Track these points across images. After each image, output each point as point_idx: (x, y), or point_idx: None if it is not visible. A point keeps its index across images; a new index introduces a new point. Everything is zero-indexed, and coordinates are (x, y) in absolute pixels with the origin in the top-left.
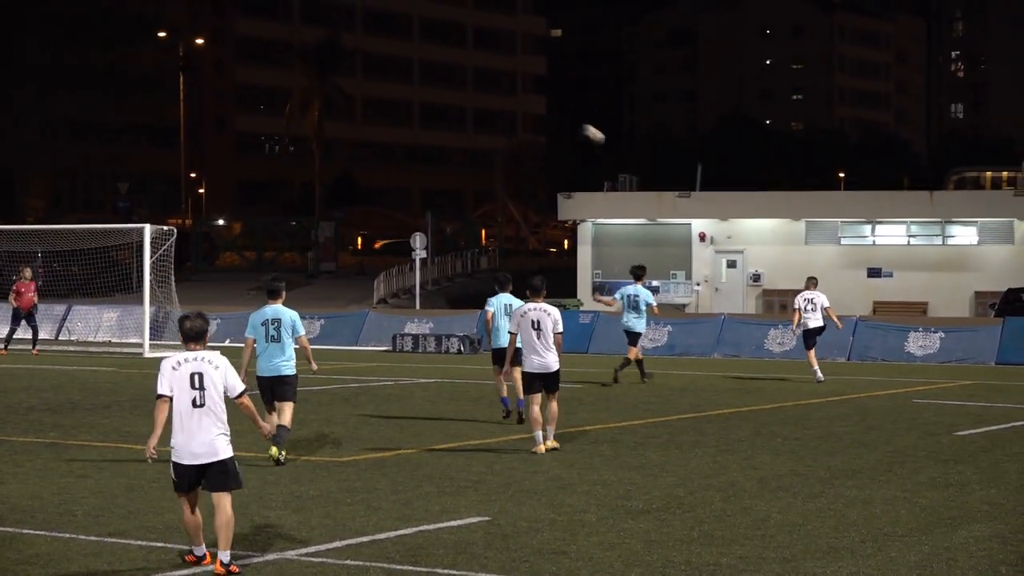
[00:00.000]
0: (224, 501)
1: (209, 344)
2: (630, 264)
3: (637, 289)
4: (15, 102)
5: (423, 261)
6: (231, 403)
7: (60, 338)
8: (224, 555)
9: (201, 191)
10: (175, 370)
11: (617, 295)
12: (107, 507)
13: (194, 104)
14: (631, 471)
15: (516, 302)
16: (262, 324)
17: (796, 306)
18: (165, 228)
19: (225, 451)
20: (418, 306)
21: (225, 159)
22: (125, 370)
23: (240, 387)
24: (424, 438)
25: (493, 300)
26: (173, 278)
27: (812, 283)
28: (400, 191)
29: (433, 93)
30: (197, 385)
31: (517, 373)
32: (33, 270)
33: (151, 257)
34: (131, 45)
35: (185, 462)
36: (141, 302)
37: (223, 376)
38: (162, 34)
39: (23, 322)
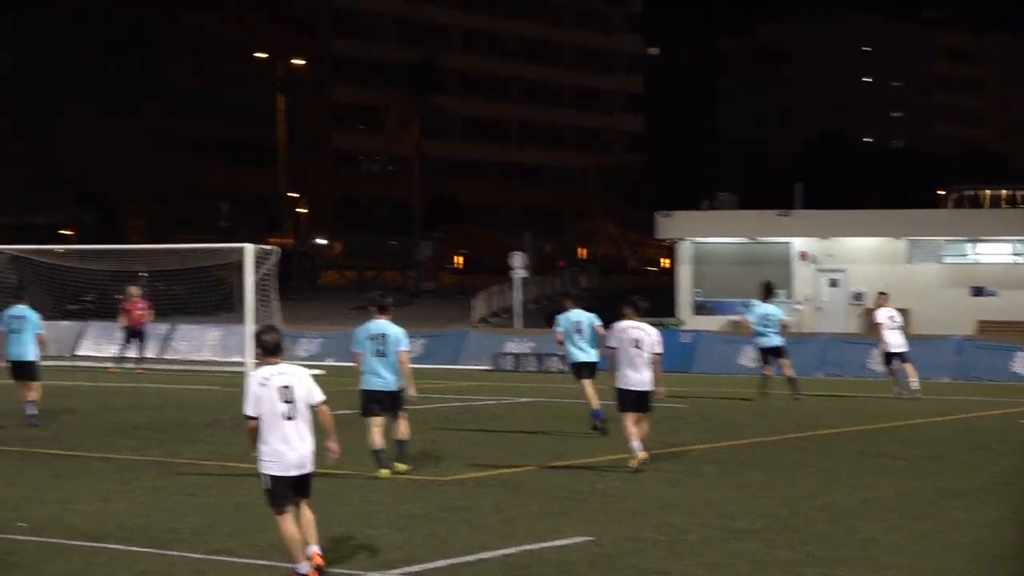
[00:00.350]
0: (306, 505)
1: (311, 363)
2: (730, 283)
3: (766, 307)
4: (115, 124)
5: (523, 280)
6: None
7: (164, 356)
8: (316, 548)
9: (301, 210)
10: (264, 386)
11: (750, 316)
12: (213, 525)
13: (293, 124)
14: (734, 491)
15: (585, 317)
16: (368, 339)
17: (878, 320)
18: (267, 247)
19: (312, 462)
20: (519, 325)
21: (324, 178)
22: (229, 388)
23: (320, 395)
24: (527, 457)
25: (561, 319)
26: (276, 297)
27: (885, 299)
28: (499, 209)
29: (530, 111)
30: (288, 398)
31: (590, 388)
32: (140, 288)
33: (254, 276)
34: (230, 66)
35: (282, 474)
36: (244, 321)
37: (307, 386)
38: (261, 55)
39: (135, 340)
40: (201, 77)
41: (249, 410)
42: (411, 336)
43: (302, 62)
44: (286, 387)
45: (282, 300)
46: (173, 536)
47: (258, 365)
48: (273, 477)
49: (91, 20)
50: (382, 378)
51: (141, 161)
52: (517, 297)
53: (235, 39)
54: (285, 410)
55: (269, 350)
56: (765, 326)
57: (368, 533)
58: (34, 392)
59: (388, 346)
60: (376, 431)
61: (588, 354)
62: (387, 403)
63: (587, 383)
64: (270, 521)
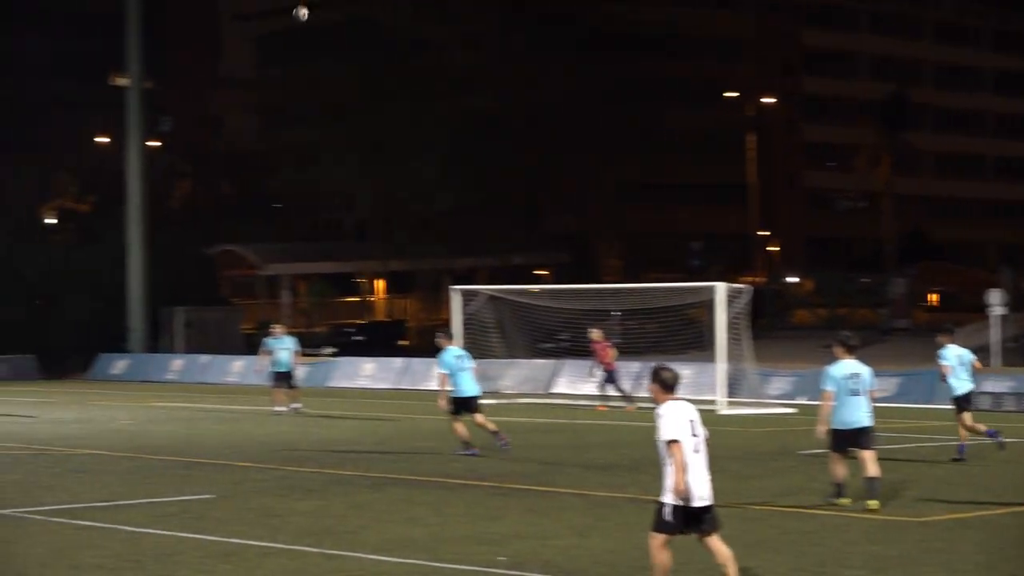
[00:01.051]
0: (719, 538)
1: (783, 402)
2: None
3: None
4: (592, 167)
5: (1001, 317)
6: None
7: (637, 394)
8: None
9: (772, 248)
10: (678, 416)
11: None
12: (686, 562)
13: (764, 162)
14: None
15: (965, 352)
16: (844, 378)
17: None
18: (738, 286)
19: (712, 496)
20: (997, 363)
21: (795, 216)
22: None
23: (705, 433)
24: (1008, 497)
25: (945, 352)
26: (747, 335)
27: None
28: (973, 245)
29: (1007, 146)
30: (694, 432)
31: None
32: (603, 330)
33: (725, 314)
34: (702, 106)
35: (689, 504)
36: (715, 359)
37: (701, 423)
38: (732, 94)
39: (607, 378)
40: (673, 119)
41: (675, 434)
42: (884, 374)
43: (773, 100)
44: (692, 421)
45: (753, 338)
46: (645, 573)
47: (653, 401)
48: (675, 507)
49: (576, 66)
50: (856, 415)
51: (616, 202)
52: (995, 335)
53: (706, 80)
54: (693, 443)
55: (669, 386)
56: None
57: (844, 575)
58: (488, 423)
59: (862, 385)
60: (840, 465)
61: (968, 386)
62: (858, 440)
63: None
64: (750, 559)
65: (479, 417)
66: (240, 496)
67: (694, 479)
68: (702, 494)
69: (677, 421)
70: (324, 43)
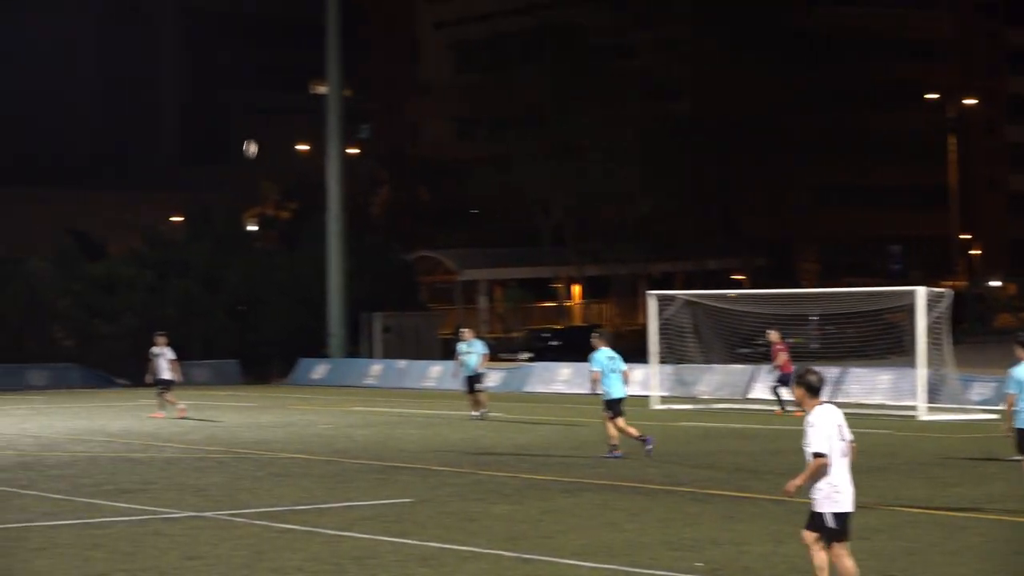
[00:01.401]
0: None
1: (985, 408)
2: None
3: None
4: (789, 170)
5: None
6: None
7: (835, 400)
8: None
9: (974, 252)
10: (828, 425)
11: None
12: (885, 569)
13: (965, 165)
14: None
15: None
16: None
17: None
18: (939, 290)
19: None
20: None
21: (997, 219)
22: (900, 433)
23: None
24: None
25: None
26: (948, 340)
27: None
28: None
29: None
30: (842, 436)
31: None
32: (778, 332)
33: (925, 319)
34: (901, 108)
35: (844, 510)
36: (916, 365)
37: (846, 426)
38: (933, 96)
39: (781, 379)
40: (873, 121)
41: (823, 447)
42: None
43: (974, 102)
44: (840, 426)
45: (954, 343)
46: None
47: (799, 406)
48: (836, 515)
49: (774, 69)
50: None
51: (813, 205)
52: None
53: (906, 81)
54: (841, 448)
55: (816, 390)
56: None
57: None
58: (631, 427)
59: None
60: None
61: None
62: None
63: None
64: (955, 567)
65: (620, 421)
66: (437, 500)
67: (843, 483)
68: (854, 499)
69: (826, 432)
70: (522, 49)
